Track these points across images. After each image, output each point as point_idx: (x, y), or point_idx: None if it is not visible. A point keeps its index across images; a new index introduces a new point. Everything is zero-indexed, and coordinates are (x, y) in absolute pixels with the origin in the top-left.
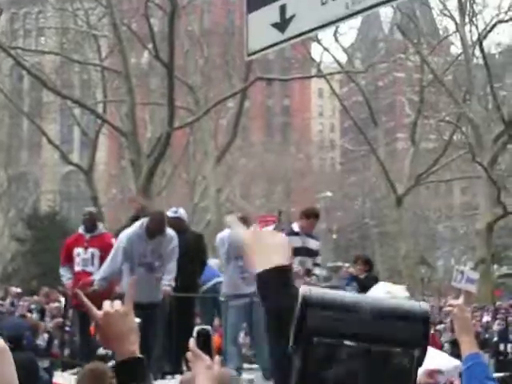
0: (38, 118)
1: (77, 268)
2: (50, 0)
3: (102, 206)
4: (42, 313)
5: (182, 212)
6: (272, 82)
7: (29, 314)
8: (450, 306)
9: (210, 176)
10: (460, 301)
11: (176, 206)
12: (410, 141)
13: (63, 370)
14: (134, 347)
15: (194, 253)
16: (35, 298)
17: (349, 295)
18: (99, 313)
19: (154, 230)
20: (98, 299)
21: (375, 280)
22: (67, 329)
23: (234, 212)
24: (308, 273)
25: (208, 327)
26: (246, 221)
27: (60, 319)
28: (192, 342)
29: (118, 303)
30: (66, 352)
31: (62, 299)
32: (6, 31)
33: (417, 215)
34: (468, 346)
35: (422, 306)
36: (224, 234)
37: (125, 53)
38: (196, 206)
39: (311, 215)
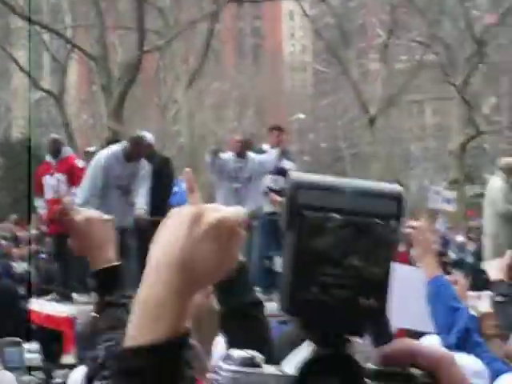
0: (7, 45)
1: (47, 196)
2: None
3: (73, 131)
4: (15, 240)
5: (148, 136)
6: (243, 4)
7: (2, 241)
8: (409, 227)
9: (181, 100)
10: (421, 222)
11: (148, 130)
12: (381, 61)
13: (38, 297)
14: (111, 254)
15: (162, 176)
16: (6, 224)
17: (333, 178)
18: (80, 217)
19: (133, 153)
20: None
21: None
22: (42, 256)
23: (207, 136)
24: (280, 192)
25: None
26: (248, 144)
27: (35, 246)
28: None
29: (97, 212)
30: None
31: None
32: None
33: (390, 137)
34: (430, 268)
35: (396, 187)
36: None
37: None
38: (168, 130)
39: (271, 129)
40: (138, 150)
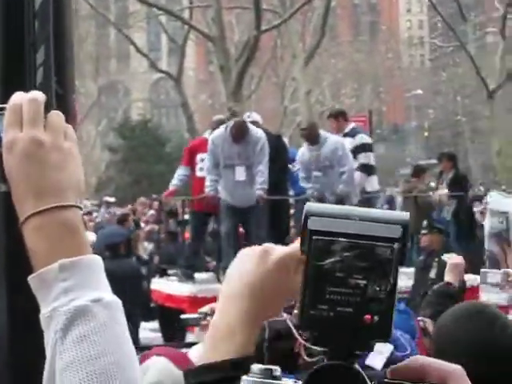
0: (125, 28)
1: (199, 173)
2: None
3: (192, 112)
4: (136, 223)
5: (255, 116)
6: None
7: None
8: None
9: (299, 78)
10: None
11: (266, 108)
12: (499, 35)
13: (160, 276)
14: None
15: (274, 154)
16: (129, 207)
17: (341, 207)
18: None
19: (236, 135)
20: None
21: (464, 178)
22: (161, 235)
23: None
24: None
25: None
26: (315, 128)
27: (155, 226)
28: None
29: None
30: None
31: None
32: None
33: (509, 110)
34: None
35: (403, 215)
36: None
37: None
38: (286, 108)
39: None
40: (240, 133)
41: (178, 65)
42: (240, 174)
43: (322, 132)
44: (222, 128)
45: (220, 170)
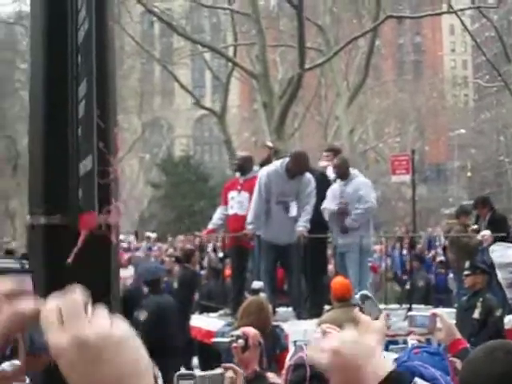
0: (170, 64)
1: (230, 211)
2: None
3: (235, 149)
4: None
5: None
6: (403, 20)
7: (167, 259)
8: None
9: (342, 116)
10: None
11: (309, 146)
12: None
13: (200, 313)
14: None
15: (317, 191)
16: (169, 239)
17: None
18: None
19: (295, 169)
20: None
21: (503, 219)
22: (201, 272)
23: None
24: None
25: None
26: (345, 163)
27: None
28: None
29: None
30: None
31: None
32: None
33: None
34: None
35: None
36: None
37: None
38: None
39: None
40: (299, 166)
41: (222, 102)
42: (294, 210)
43: (353, 171)
44: (276, 163)
45: (271, 205)
